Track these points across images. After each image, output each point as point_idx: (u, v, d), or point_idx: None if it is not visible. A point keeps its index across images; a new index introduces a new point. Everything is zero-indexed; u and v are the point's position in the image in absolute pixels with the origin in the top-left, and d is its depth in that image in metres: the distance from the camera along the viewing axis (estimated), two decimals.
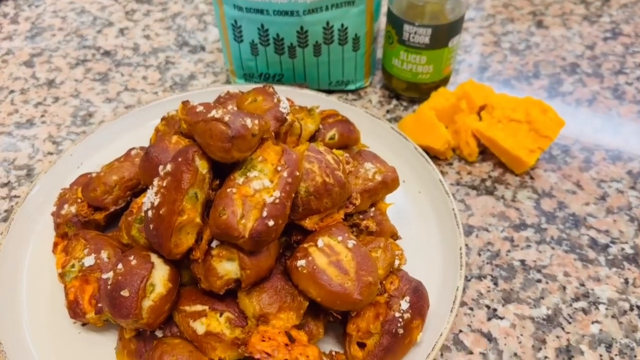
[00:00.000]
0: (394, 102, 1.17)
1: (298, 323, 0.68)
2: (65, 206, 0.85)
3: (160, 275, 0.69)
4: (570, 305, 0.80)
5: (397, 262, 0.75)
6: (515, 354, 0.76)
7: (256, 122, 0.67)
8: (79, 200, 0.85)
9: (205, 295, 0.70)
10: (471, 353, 0.77)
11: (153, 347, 0.68)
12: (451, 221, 0.86)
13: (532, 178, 1.00)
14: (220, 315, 0.68)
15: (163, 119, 0.93)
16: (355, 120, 0.99)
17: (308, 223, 0.72)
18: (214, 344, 0.67)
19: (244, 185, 0.66)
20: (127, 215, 0.76)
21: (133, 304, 0.66)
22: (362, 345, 0.71)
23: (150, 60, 1.29)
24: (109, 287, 0.68)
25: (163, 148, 0.75)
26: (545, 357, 0.76)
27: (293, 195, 0.68)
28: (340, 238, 0.70)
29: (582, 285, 0.83)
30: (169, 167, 0.67)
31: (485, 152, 1.04)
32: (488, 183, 1.00)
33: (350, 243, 0.69)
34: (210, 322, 0.68)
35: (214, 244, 0.67)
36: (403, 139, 0.97)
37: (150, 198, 0.68)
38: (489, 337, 0.78)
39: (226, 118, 0.65)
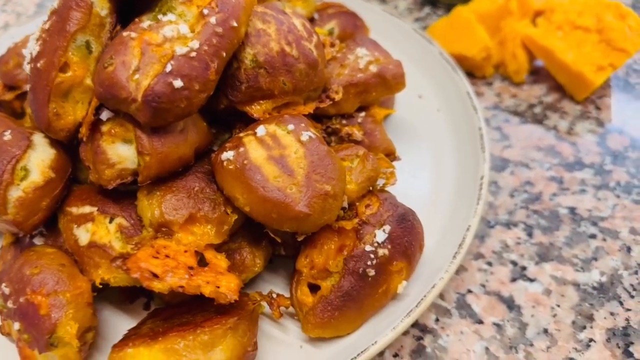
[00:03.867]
0: (427, 9, 0.93)
1: (219, 243, 0.47)
2: None
3: (40, 160, 0.50)
4: (636, 272, 0.60)
5: (381, 182, 0.53)
6: (546, 331, 0.54)
7: None
8: None
9: (99, 194, 0.50)
10: (480, 322, 0.54)
11: (19, 255, 0.49)
12: (474, 143, 0.62)
13: (597, 108, 0.75)
14: (111, 222, 0.49)
15: None
16: (365, 18, 0.76)
17: (255, 109, 0.51)
18: (97, 259, 0.47)
19: (151, 30, 0.45)
20: None
21: None
22: (315, 288, 0.50)
23: None
24: None
25: None
26: (591, 340, 0.53)
27: (225, 55, 0.46)
28: (291, 127, 0.48)
29: None
30: (56, 4, 0.47)
31: (538, 73, 0.79)
32: (537, 109, 0.75)
33: (305, 135, 0.48)
34: (97, 229, 0.48)
35: (105, 115, 0.47)
36: (426, 42, 0.74)
37: (29, 48, 0.48)
38: (509, 303, 0.56)
39: None
